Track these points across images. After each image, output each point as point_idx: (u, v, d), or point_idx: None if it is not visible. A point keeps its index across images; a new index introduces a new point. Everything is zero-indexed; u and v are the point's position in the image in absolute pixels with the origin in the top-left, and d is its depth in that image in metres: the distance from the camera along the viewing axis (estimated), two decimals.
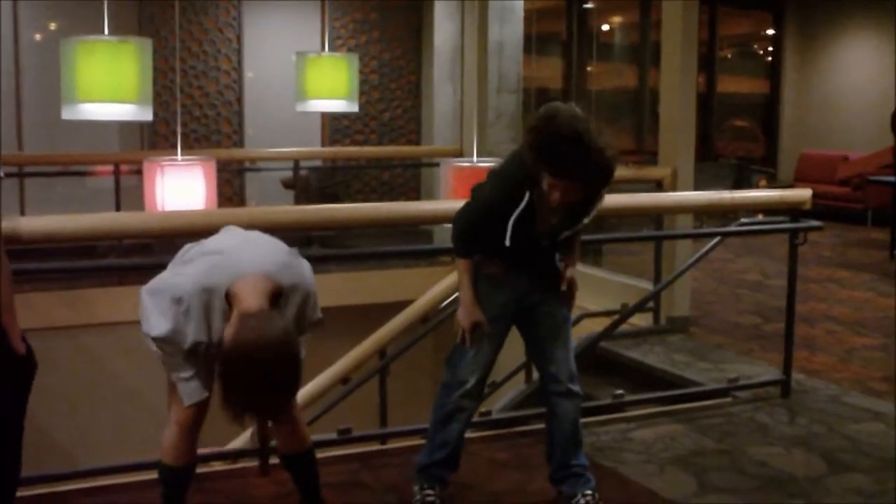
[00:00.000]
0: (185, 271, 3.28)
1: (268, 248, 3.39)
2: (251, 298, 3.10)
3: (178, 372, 3.30)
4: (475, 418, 4.57)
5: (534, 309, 3.91)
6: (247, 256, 3.26)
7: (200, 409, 3.40)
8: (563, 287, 3.88)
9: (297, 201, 10.57)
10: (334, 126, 12.04)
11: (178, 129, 7.12)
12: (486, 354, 3.91)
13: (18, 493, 3.55)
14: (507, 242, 3.67)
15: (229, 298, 3.14)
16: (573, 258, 3.93)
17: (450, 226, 3.93)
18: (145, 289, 3.32)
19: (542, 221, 3.67)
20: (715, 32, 14.96)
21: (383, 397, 5.70)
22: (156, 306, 3.25)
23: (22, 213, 9.06)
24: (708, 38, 14.68)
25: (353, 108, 7.82)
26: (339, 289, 8.35)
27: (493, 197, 3.73)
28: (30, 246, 4.10)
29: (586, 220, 3.73)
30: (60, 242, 4.30)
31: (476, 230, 3.83)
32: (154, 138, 10.99)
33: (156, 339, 3.25)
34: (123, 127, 10.62)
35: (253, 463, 4.44)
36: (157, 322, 3.23)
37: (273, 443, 4.26)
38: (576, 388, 3.95)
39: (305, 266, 3.42)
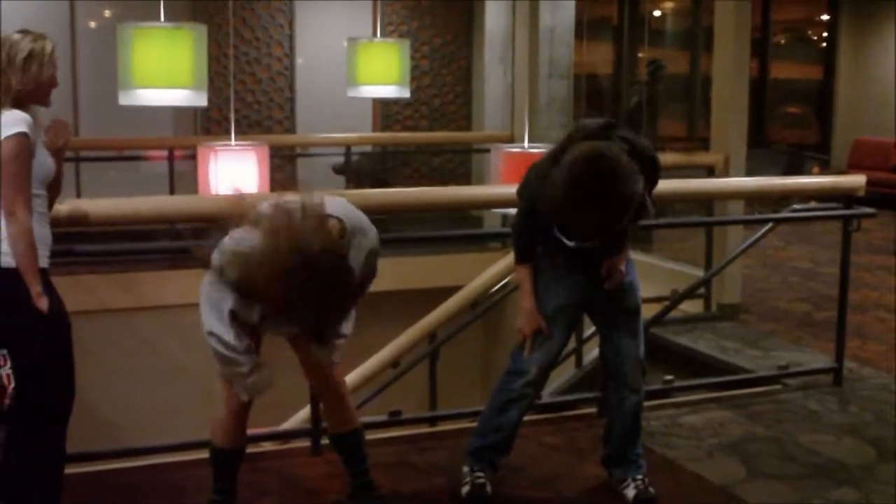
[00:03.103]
0: None
1: (331, 200, 3.39)
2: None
3: (239, 368, 3.33)
4: None
5: (601, 301, 3.91)
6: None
7: None
8: (607, 286, 3.87)
9: (348, 187, 10.62)
10: (385, 112, 12.07)
11: (232, 115, 7.18)
12: (553, 344, 3.92)
13: (72, 471, 3.65)
14: (569, 243, 3.68)
15: None
16: (621, 254, 3.89)
17: (500, 211, 3.96)
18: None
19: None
20: (769, 18, 14.81)
21: (433, 381, 5.75)
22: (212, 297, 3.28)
23: (78, 196, 9.18)
24: (761, 23, 14.54)
25: (405, 93, 7.84)
26: (389, 274, 8.33)
27: (528, 203, 3.76)
28: (84, 229, 4.17)
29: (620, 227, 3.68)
30: (120, 225, 4.37)
31: (526, 235, 3.87)
32: (207, 124, 11.09)
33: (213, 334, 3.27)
34: (178, 112, 10.73)
35: (304, 444, 4.50)
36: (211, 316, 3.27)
37: (325, 424, 4.32)
38: (640, 382, 3.96)
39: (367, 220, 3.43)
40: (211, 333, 3.28)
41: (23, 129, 3.14)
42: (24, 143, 3.14)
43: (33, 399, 3.21)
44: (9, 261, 3.12)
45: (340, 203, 3.37)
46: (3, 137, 3.11)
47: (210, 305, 3.28)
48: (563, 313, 3.90)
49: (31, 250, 3.14)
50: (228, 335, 3.26)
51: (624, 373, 3.92)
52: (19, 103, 3.25)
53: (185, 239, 7.89)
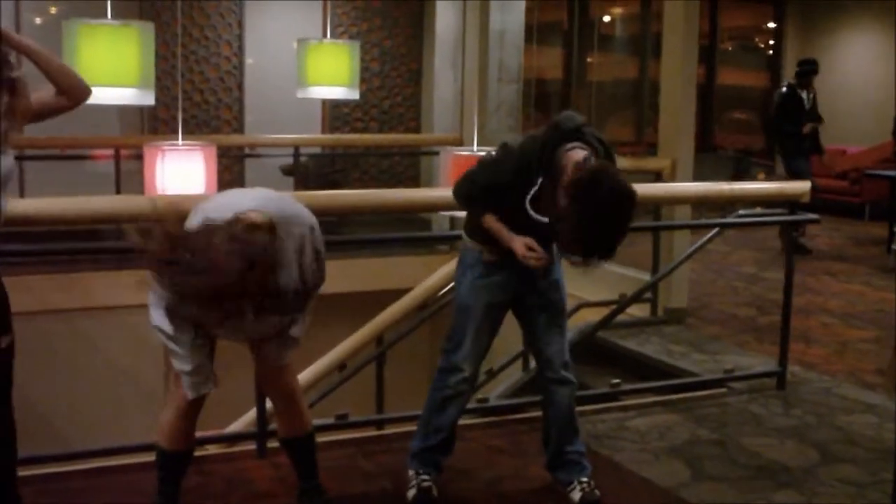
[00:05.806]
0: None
1: (252, 192, 3.36)
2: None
3: (183, 364, 3.32)
4: (472, 405, 4.63)
5: (531, 296, 3.92)
6: (231, 198, 3.26)
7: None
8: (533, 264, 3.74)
9: (297, 188, 10.56)
10: (334, 113, 12.04)
11: (179, 115, 7.12)
12: (482, 341, 3.93)
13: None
14: (526, 220, 3.59)
15: None
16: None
17: (448, 213, 3.93)
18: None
19: (545, 209, 3.55)
20: (716, 24, 14.97)
21: (380, 383, 5.72)
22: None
23: (21, 196, 9.06)
24: (709, 30, 14.69)
25: (354, 95, 7.82)
26: (336, 275, 8.29)
27: (506, 169, 3.62)
28: (29, 228, 4.11)
29: None
30: (62, 225, 4.31)
31: (482, 193, 3.72)
32: (154, 123, 10.99)
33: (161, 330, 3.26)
34: (124, 111, 10.62)
35: (250, 446, 4.47)
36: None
37: (271, 426, 4.29)
38: (569, 375, 3.97)
39: (298, 205, 3.38)
40: (155, 327, 3.29)
41: None
42: None
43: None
44: None
45: (262, 194, 3.30)
46: None
47: (155, 300, 3.27)
48: (490, 311, 3.90)
49: None
50: (169, 328, 3.25)
51: (552, 368, 3.94)
52: None
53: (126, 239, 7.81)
